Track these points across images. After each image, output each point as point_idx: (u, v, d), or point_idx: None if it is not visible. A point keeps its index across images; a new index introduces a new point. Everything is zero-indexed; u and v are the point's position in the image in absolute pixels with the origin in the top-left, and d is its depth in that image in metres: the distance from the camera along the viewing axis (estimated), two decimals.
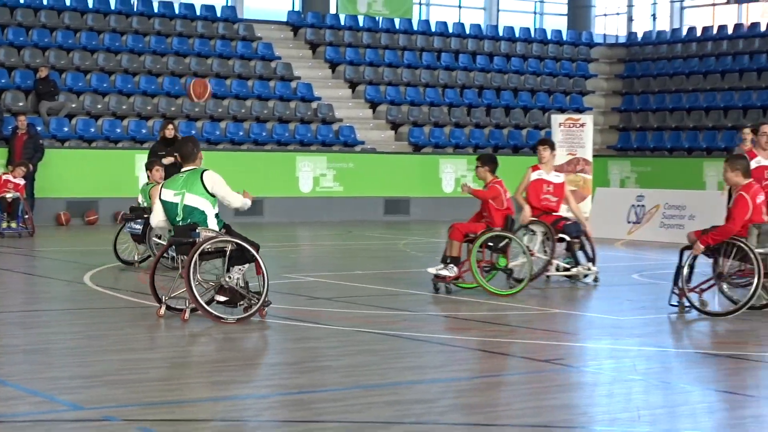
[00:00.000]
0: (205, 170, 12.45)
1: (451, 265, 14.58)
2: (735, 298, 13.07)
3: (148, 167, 17.92)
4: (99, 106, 29.54)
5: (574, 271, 16.08)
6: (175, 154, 22.21)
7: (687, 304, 12.93)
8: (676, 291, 13.00)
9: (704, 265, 13.29)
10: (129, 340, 11.42)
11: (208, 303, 12.21)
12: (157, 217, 12.52)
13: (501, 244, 14.72)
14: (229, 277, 12.16)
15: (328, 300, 13.79)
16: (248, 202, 12.67)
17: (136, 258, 17.45)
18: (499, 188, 14.82)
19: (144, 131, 29.02)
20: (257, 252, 12.31)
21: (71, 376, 9.48)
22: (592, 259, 16.32)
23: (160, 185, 12.85)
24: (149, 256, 13.72)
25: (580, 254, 16.14)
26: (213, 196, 12.29)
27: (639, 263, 19.15)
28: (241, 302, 12.19)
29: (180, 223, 12.34)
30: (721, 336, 12.01)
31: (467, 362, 10.56)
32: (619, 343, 11.53)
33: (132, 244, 17.47)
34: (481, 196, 14.87)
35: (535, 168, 16.17)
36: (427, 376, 9.86)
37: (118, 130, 28.93)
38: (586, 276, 16.17)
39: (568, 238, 15.90)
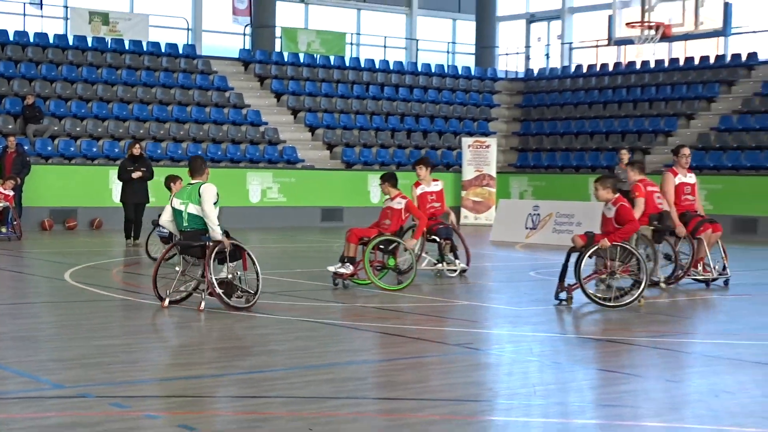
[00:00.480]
0: (203, 183, 12.46)
1: (348, 263, 14.64)
2: (614, 292, 13.19)
3: (171, 181, 17.46)
4: (78, 129, 29.35)
5: (438, 266, 16.30)
6: (142, 169, 22.32)
7: (564, 297, 13.08)
8: (570, 285, 13.12)
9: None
10: (102, 327, 11.35)
11: (189, 295, 12.51)
12: (165, 217, 12.64)
13: (390, 247, 14.77)
14: (231, 274, 12.41)
15: (274, 294, 13.73)
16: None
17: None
18: (411, 201, 15.09)
19: (116, 150, 28.81)
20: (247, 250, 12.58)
21: (53, 359, 9.41)
22: (466, 258, 16.63)
23: (173, 194, 12.92)
24: (174, 255, 13.61)
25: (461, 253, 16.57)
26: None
27: (535, 263, 19.26)
28: (236, 294, 12.33)
29: (186, 229, 12.38)
30: (601, 323, 12.12)
31: (391, 346, 10.56)
32: (517, 330, 11.59)
33: (161, 245, 17.37)
34: (414, 211, 14.96)
35: (417, 184, 16.38)
36: (358, 357, 9.88)
37: (95, 149, 28.74)
38: (453, 271, 16.32)
39: (438, 239, 16.07)
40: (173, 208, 12.53)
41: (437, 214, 16.35)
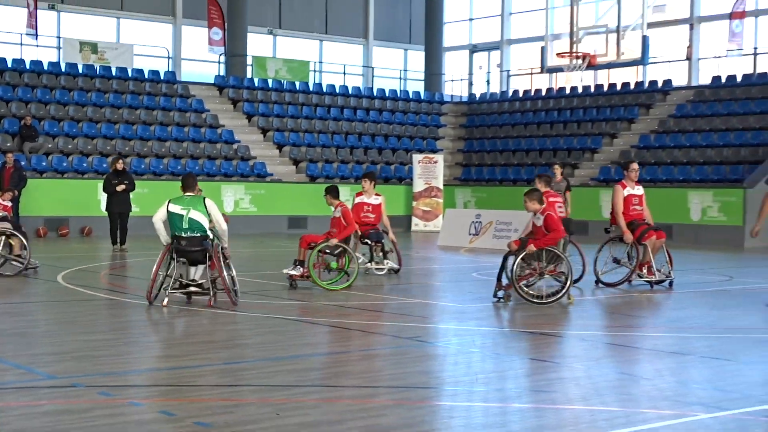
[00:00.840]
0: (205, 197, 12.74)
1: (298, 266, 14.71)
2: (544, 291, 13.27)
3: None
4: (69, 146, 29.14)
5: (368, 265, 16.54)
6: (125, 182, 22.29)
7: (501, 295, 13.15)
8: (507, 284, 13.19)
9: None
10: (91, 324, 11.27)
11: (178, 289, 12.53)
12: (158, 217, 12.50)
13: (336, 252, 14.82)
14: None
15: (246, 293, 13.67)
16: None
17: None
18: (347, 209, 15.13)
19: (104, 165, 28.63)
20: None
21: (46, 352, 9.33)
22: (398, 260, 16.90)
23: (168, 201, 12.70)
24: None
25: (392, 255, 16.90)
26: (208, 215, 12.48)
27: (477, 265, 19.31)
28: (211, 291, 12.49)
29: (186, 233, 12.43)
30: (535, 318, 12.16)
31: (350, 340, 10.56)
32: (462, 325, 11.62)
33: None
34: (347, 218, 15.01)
35: (359, 194, 16.50)
36: (320, 350, 9.87)
37: (84, 165, 28.56)
38: (381, 269, 16.56)
39: (369, 242, 16.27)
40: (171, 213, 12.45)
41: (374, 223, 16.51)
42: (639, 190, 15.52)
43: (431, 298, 14.50)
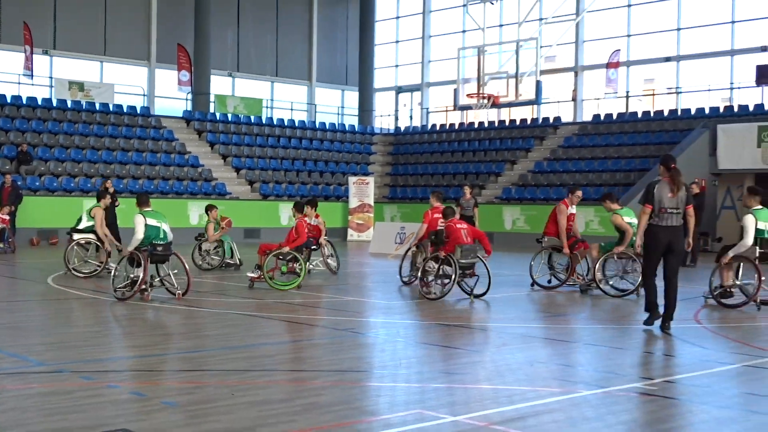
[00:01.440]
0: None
1: (257, 270, 14.74)
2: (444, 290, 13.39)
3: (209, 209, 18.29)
4: (59, 169, 28.65)
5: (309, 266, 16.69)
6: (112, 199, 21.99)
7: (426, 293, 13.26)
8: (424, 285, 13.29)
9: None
10: (76, 319, 11.07)
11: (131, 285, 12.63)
12: (142, 229, 12.64)
13: (288, 258, 14.82)
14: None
15: (206, 293, 13.53)
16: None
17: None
18: (302, 223, 15.21)
19: (89, 185, 28.25)
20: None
21: (37, 343, 9.14)
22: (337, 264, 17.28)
23: (141, 216, 12.73)
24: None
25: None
26: None
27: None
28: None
29: (162, 241, 12.69)
30: (448, 313, 12.20)
31: (294, 332, 10.48)
32: (389, 318, 11.61)
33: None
34: (300, 231, 15.07)
35: (304, 216, 16.35)
36: (270, 340, 9.78)
37: (72, 185, 28.09)
38: (309, 271, 16.76)
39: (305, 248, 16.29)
40: (150, 226, 12.61)
41: (318, 237, 16.56)
42: (574, 209, 15.44)
43: (363, 296, 14.47)
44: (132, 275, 12.62)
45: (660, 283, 10.52)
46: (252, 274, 14.71)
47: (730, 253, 12.43)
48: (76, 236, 16.45)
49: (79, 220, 16.79)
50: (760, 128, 27.18)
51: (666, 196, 10.26)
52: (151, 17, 37.97)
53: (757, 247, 12.64)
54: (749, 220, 12.65)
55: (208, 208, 18.32)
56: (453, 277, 13.24)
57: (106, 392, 6.85)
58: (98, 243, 16.35)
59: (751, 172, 28.48)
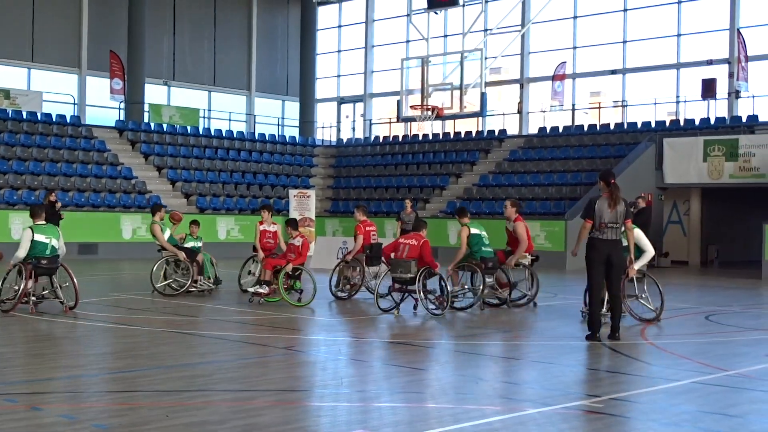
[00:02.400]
0: (54, 225, 13.63)
1: (265, 285, 14.81)
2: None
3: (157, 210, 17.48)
4: (0, 182, 28.19)
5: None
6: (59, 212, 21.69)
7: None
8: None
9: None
10: (1, 339, 10.81)
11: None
12: (27, 245, 13.06)
13: (297, 273, 14.94)
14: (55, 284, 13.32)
15: (142, 310, 13.36)
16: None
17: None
18: (307, 241, 15.34)
19: (15, 197, 27.72)
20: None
21: None
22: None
23: (33, 229, 13.20)
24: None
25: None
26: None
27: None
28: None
29: (48, 255, 13.03)
30: (392, 330, 12.20)
31: (234, 350, 10.39)
32: (332, 336, 11.58)
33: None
34: (305, 248, 15.22)
35: (261, 223, 16.30)
36: (206, 359, 9.67)
37: (15, 197, 27.58)
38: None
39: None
40: (36, 241, 13.00)
41: (273, 248, 16.28)
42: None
43: (304, 313, 14.41)
44: (16, 287, 13.04)
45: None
46: (261, 290, 14.79)
47: (636, 266, 12.21)
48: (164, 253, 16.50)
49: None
50: (706, 142, 27.78)
51: (606, 210, 10.91)
52: (81, 22, 37.49)
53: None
54: (641, 233, 12.77)
55: (154, 210, 17.58)
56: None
57: (31, 416, 6.71)
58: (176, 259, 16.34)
59: (697, 186, 29.07)
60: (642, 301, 13.16)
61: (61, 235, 13.48)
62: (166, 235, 16.85)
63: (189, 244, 17.19)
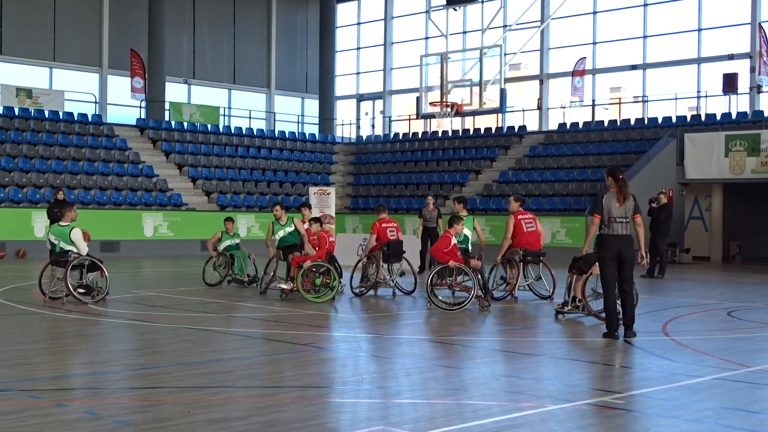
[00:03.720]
0: (72, 228, 14.03)
1: (289, 281, 15.18)
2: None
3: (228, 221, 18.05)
4: (6, 179, 28.31)
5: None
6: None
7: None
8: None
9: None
10: (24, 335, 10.89)
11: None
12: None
13: (322, 270, 15.01)
14: (88, 279, 13.91)
15: (163, 307, 13.43)
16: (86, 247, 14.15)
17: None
18: (323, 235, 15.48)
19: (38, 196, 27.93)
20: (102, 264, 14.08)
21: None
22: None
23: (50, 230, 14.28)
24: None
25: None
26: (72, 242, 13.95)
27: None
28: (93, 293, 13.85)
29: (58, 251, 14.00)
30: (411, 327, 12.18)
31: (255, 346, 10.43)
32: (351, 332, 11.59)
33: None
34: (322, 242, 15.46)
35: (303, 221, 16.40)
36: (227, 356, 9.71)
37: (20, 195, 27.75)
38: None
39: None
40: (50, 240, 14.09)
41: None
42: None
43: (325, 309, 14.43)
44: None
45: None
46: (284, 286, 15.03)
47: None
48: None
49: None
50: (728, 137, 27.58)
51: (614, 206, 10.90)
52: (102, 22, 37.68)
53: None
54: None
55: (227, 220, 17.96)
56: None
57: (55, 412, 6.76)
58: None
59: (718, 181, 28.88)
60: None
61: (75, 233, 13.90)
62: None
63: (226, 242, 17.44)
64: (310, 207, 17.00)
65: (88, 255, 13.97)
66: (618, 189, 10.98)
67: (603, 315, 11.39)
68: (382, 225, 16.11)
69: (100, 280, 14.05)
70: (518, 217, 15.31)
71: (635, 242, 11.06)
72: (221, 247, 17.54)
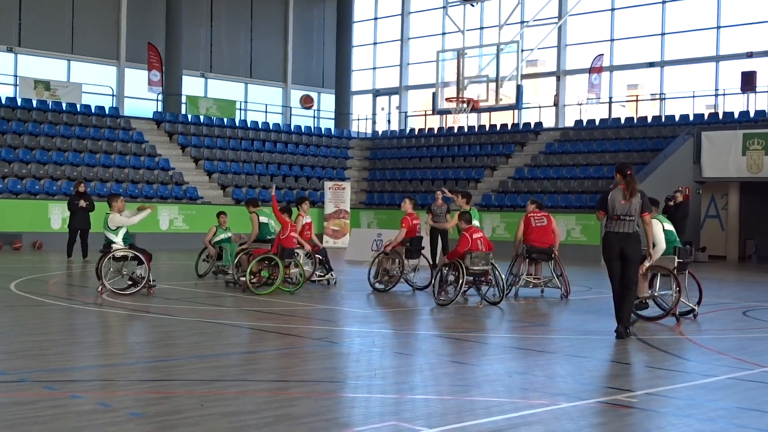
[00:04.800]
0: (108, 214, 14.05)
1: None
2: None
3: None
4: (24, 171, 28.48)
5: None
6: (86, 202, 21.87)
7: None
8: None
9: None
10: (39, 326, 10.94)
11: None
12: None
13: (272, 263, 14.94)
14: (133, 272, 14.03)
15: (177, 300, 13.46)
16: (143, 215, 14.25)
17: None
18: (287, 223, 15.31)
19: (54, 188, 28.08)
20: (149, 258, 14.08)
21: None
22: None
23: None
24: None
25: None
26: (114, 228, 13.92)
27: None
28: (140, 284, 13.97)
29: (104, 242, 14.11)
30: (425, 322, 12.16)
31: (266, 341, 10.43)
32: (365, 327, 11.59)
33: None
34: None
35: (301, 215, 16.39)
36: (240, 349, 9.73)
37: (37, 187, 27.90)
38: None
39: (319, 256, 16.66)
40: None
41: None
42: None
43: (338, 304, 14.43)
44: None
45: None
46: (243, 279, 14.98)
47: (647, 263, 11.48)
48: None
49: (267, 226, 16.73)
50: (745, 136, 27.43)
51: (619, 202, 10.64)
52: (120, 15, 37.78)
53: (676, 257, 12.35)
54: (657, 227, 12.22)
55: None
56: (460, 283, 13.42)
57: (69, 403, 6.79)
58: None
59: (735, 180, 28.72)
60: (660, 300, 12.69)
61: (112, 218, 13.98)
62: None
63: (220, 236, 17.60)
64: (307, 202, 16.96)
65: (131, 246, 14.02)
66: (625, 185, 10.67)
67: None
68: (413, 222, 15.97)
69: (140, 271, 14.02)
70: (529, 215, 15.42)
71: (642, 240, 10.86)
72: (216, 239, 17.80)
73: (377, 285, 15.91)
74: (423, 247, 16.33)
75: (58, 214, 26.62)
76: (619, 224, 10.62)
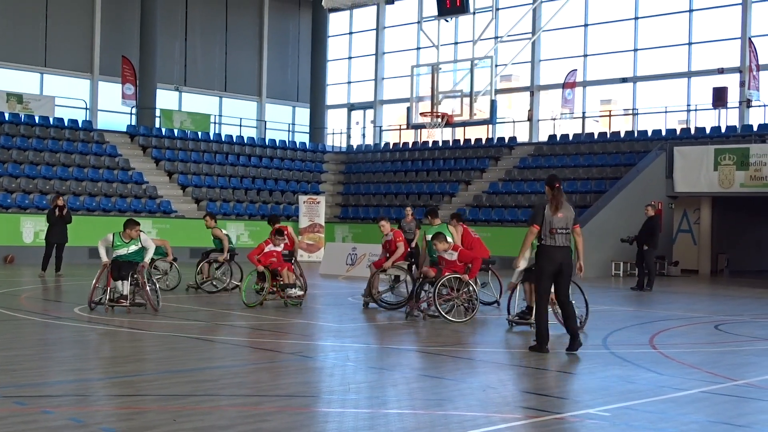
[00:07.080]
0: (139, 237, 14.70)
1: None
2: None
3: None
4: (12, 186, 28.30)
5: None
6: (63, 213, 21.77)
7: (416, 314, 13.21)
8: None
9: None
10: (10, 341, 10.84)
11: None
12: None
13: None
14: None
15: (149, 314, 13.37)
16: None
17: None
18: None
19: (27, 201, 27.86)
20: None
21: None
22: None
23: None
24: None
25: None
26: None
27: (352, 291, 19.30)
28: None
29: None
30: (399, 337, 12.16)
31: (240, 355, 10.40)
32: (339, 342, 11.56)
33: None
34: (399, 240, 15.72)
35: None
36: (213, 364, 9.68)
37: (9, 201, 27.71)
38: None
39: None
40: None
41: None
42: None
43: (312, 318, 14.40)
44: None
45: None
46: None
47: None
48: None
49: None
50: (717, 151, 27.69)
51: (556, 216, 10.61)
52: (94, 28, 37.67)
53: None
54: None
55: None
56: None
57: (40, 418, 6.72)
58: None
59: (707, 195, 28.98)
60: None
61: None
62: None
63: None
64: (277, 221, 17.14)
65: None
66: (552, 198, 10.60)
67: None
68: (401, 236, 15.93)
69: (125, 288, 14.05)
70: (464, 226, 16.01)
71: (574, 253, 10.87)
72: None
73: (384, 297, 15.72)
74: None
75: (30, 228, 26.42)
76: (558, 238, 10.54)
